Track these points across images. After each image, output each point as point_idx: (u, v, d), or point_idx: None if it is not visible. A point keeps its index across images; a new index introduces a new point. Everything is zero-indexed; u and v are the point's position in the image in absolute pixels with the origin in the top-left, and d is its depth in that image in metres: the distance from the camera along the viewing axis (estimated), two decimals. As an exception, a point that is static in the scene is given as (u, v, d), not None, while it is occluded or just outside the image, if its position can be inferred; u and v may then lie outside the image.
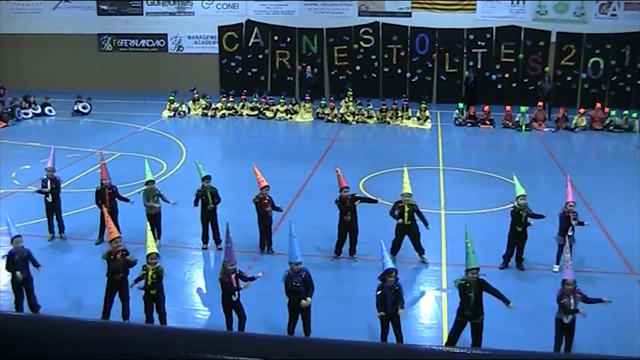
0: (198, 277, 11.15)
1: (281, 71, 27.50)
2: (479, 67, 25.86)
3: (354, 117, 23.05)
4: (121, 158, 17.93)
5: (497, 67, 25.91)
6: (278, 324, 8.89)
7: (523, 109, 22.20)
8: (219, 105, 24.07)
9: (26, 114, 23.68)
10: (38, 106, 24.05)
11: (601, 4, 25.18)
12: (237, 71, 27.69)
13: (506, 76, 25.87)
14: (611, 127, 22.02)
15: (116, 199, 11.97)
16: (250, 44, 27.51)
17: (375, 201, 11.93)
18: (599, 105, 22.81)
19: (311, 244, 11.62)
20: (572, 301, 8.01)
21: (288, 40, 27.25)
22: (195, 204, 11.73)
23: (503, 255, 11.08)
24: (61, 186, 12.57)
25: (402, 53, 26.53)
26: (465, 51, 26.06)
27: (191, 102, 24.36)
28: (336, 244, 11.50)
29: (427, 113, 22.63)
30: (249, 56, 27.54)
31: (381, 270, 8.36)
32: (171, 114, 23.90)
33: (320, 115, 23.43)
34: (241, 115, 24.03)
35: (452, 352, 2.10)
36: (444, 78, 26.45)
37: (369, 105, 23.28)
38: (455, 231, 12.02)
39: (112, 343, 1.80)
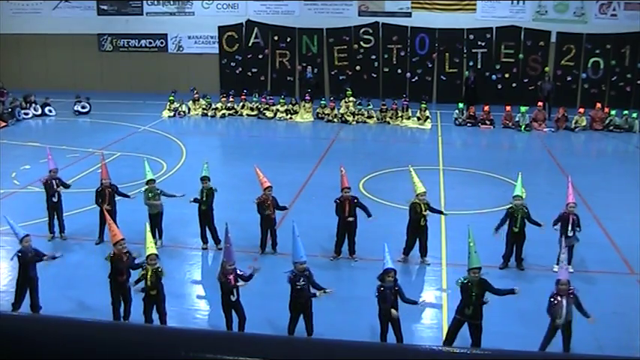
0: (198, 277, 11.17)
1: (281, 71, 27.50)
2: (479, 67, 25.86)
3: (354, 117, 23.04)
4: (121, 158, 17.93)
5: (497, 67, 25.91)
6: (278, 324, 8.89)
7: (523, 109, 22.20)
8: (219, 105, 24.06)
9: (26, 114, 23.69)
10: (38, 106, 24.06)
11: (601, 4, 25.18)
12: (237, 71, 27.69)
13: (506, 76, 25.87)
14: (611, 127, 22.02)
15: (116, 198, 11.97)
16: (250, 44, 27.51)
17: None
18: (599, 105, 22.82)
19: (311, 243, 11.58)
20: (564, 302, 8.02)
21: (288, 40, 27.25)
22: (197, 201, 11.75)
23: (502, 255, 11.10)
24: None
25: (402, 53, 26.53)
26: (465, 51, 26.05)
27: (191, 102, 24.36)
28: (335, 244, 11.51)
29: (427, 113, 22.62)
30: (249, 56, 27.54)
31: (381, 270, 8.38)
32: (172, 114, 23.90)
33: (320, 115, 23.43)
34: (241, 115, 24.03)
35: (452, 352, 2.11)
36: (444, 78, 26.44)
37: (369, 105, 23.28)
38: (455, 231, 12.03)
39: (112, 343, 1.80)
